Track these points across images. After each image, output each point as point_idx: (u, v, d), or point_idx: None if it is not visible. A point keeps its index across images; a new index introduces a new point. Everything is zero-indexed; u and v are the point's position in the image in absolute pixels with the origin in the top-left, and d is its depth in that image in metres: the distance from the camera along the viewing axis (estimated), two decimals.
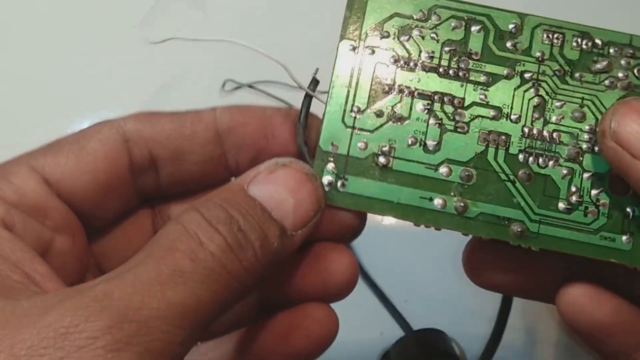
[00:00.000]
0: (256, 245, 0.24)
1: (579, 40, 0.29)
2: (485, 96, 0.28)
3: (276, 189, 0.26)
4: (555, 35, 0.29)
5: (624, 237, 0.27)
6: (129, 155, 0.29)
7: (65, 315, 0.21)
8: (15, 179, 0.27)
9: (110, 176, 0.28)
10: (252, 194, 0.26)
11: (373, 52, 0.29)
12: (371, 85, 0.28)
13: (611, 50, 0.29)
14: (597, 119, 0.28)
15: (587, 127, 0.28)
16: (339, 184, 0.28)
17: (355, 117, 0.28)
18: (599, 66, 0.29)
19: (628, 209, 0.27)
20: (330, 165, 0.28)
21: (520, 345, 0.44)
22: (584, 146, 0.28)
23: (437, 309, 0.43)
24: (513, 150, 0.28)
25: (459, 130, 0.28)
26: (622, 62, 0.29)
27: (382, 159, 0.28)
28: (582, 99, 0.28)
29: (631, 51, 0.29)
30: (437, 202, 0.27)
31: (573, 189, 0.28)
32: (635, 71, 0.29)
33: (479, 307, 0.42)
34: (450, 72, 0.28)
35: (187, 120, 0.30)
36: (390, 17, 0.29)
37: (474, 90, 0.28)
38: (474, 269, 0.30)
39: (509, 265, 0.30)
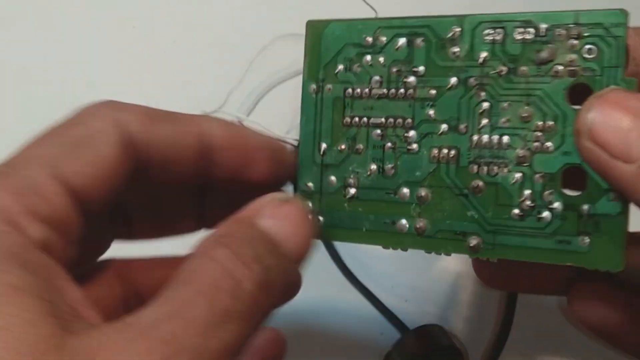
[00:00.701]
0: (280, 283, 0.25)
1: (522, 30, 0.27)
2: (434, 112, 0.29)
3: (283, 225, 0.27)
4: (497, 31, 0.28)
5: (580, 239, 0.26)
6: (136, 160, 0.28)
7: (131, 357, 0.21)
8: (46, 192, 0.25)
9: (121, 183, 0.27)
10: (261, 228, 0.26)
11: (330, 88, 0.31)
12: (332, 121, 0.31)
13: (556, 34, 0.27)
14: (545, 115, 0.27)
15: (534, 126, 0.27)
16: (317, 219, 0.30)
17: (322, 155, 0.31)
18: (542, 55, 0.27)
19: (584, 207, 0.26)
20: (309, 204, 0.31)
21: (526, 342, 0.41)
22: (533, 146, 0.27)
23: (437, 307, 0.42)
24: (463, 162, 0.28)
25: (410, 151, 0.29)
26: (568, 44, 0.27)
27: (349, 190, 0.30)
28: (528, 95, 0.27)
29: (577, 31, 0.26)
30: (399, 225, 0.29)
31: (525, 193, 0.27)
32: (585, 52, 0.26)
33: (481, 305, 0.40)
34: (399, 93, 0.29)
35: (186, 125, 0.29)
36: (342, 49, 0.30)
37: (422, 108, 0.29)
38: (483, 273, 0.31)
39: (516, 265, 0.29)
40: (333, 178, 0.30)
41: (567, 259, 0.26)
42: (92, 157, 0.26)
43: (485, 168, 0.28)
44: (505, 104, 0.27)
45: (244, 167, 0.30)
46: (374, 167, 0.29)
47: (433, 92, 0.28)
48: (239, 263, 0.24)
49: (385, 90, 0.29)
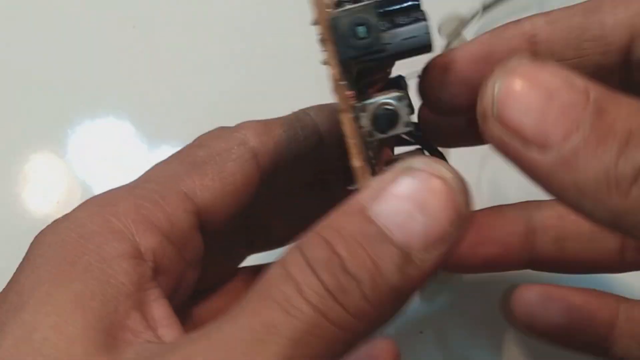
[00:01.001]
0: (365, 286, 0.20)
1: None
2: None
3: (400, 204, 0.21)
4: None
5: None
6: (259, 171, 0.28)
7: None
8: (168, 206, 0.25)
9: (248, 197, 0.27)
10: (373, 216, 0.21)
11: None
12: None
13: None
14: None
15: None
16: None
17: None
18: None
19: None
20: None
21: None
22: None
23: None
24: None
25: None
26: None
27: None
28: None
29: None
30: None
31: None
32: None
33: None
34: None
35: (296, 127, 0.29)
36: None
37: None
38: None
39: None
40: None
41: None
42: (217, 173, 0.27)
43: None
44: None
45: None
46: None
47: None
48: (304, 268, 0.21)
49: None
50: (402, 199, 0.21)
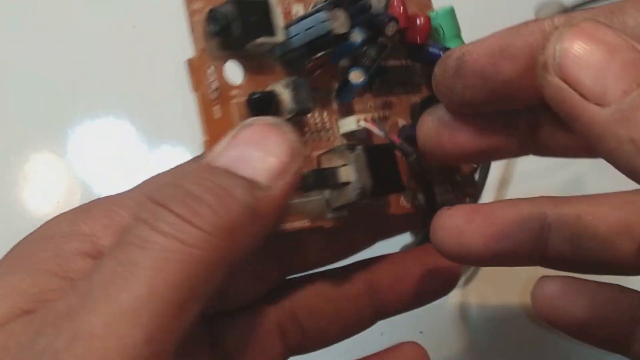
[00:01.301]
0: (212, 203, 0.22)
1: None
2: None
3: (240, 149, 0.24)
4: None
5: None
6: None
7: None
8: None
9: None
10: (217, 164, 0.24)
11: None
12: None
13: None
14: None
15: None
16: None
17: None
18: None
19: None
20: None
21: None
22: None
23: None
24: None
25: None
26: None
27: None
28: None
29: None
30: None
31: None
32: None
33: None
34: None
35: None
36: None
37: None
38: None
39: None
40: None
41: None
42: None
43: None
44: None
45: None
46: None
47: None
48: (153, 206, 0.22)
49: None
50: (241, 144, 0.24)
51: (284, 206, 0.24)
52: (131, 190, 0.27)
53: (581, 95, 0.21)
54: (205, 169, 0.23)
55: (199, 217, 0.21)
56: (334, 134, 0.30)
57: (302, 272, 0.32)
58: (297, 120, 0.29)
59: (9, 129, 0.47)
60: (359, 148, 0.28)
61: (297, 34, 0.28)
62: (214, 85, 0.28)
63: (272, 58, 0.29)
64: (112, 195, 0.27)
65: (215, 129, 0.27)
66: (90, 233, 0.25)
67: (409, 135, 0.31)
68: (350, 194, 0.28)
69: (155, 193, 0.22)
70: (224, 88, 0.28)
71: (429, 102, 0.30)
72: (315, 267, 0.32)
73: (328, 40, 0.28)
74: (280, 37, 0.28)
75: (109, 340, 0.20)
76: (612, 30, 0.22)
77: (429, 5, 0.34)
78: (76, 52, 0.48)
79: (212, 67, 0.28)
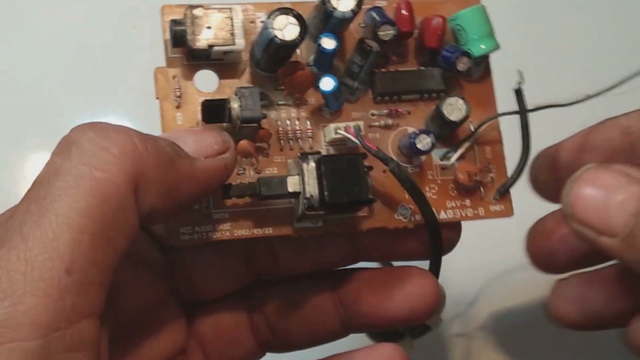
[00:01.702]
0: (133, 135, 0.23)
1: None
2: None
3: (177, 134, 0.27)
4: None
5: None
6: None
7: None
8: None
9: None
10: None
11: None
12: None
13: None
14: None
15: None
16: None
17: None
18: None
19: None
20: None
21: None
22: None
23: None
24: None
25: None
26: None
27: None
28: None
29: None
30: None
31: None
32: None
33: None
34: None
35: None
36: None
37: None
38: None
39: None
40: None
41: None
42: None
43: None
44: None
45: None
46: None
47: None
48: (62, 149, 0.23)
49: None
50: (180, 132, 0.27)
51: (205, 183, 0.26)
52: None
53: (594, 231, 0.26)
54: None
55: (111, 142, 0.22)
56: (318, 141, 0.30)
57: (273, 274, 0.32)
58: (254, 127, 0.29)
59: (9, 129, 0.46)
60: (313, 158, 0.28)
61: (258, 43, 0.29)
62: (177, 92, 0.29)
63: (252, 67, 0.30)
64: None
65: None
66: None
67: (405, 144, 0.29)
68: (301, 204, 0.28)
69: (75, 128, 0.23)
70: (188, 95, 0.29)
71: None
72: (287, 273, 0.32)
73: (279, 47, 0.27)
74: (239, 45, 0.28)
75: (27, 274, 0.20)
76: (608, 172, 0.27)
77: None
78: (76, 52, 0.47)
79: (176, 76, 0.29)
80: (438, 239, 0.29)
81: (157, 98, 0.28)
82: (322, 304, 0.31)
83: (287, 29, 0.27)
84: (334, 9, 0.28)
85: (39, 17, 0.48)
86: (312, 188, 0.27)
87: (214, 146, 0.26)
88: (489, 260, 0.43)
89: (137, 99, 0.45)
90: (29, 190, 0.22)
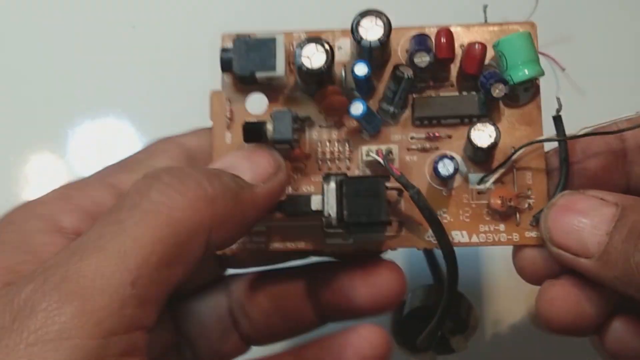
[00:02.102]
0: (202, 179, 0.25)
1: None
2: None
3: (230, 159, 0.29)
4: None
5: None
6: None
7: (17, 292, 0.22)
8: (93, 192, 0.29)
9: None
10: (221, 167, 0.28)
11: None
12: None
13: None
14: None
15: None
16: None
17: None
18: None
19: None
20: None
21: None
22: None
23: None
24: None
25: None
26: None
27: None
28: None
29: None
30: None
31: None
32: None
33: None
34: None
35: None
36: None
37: None
38: None
39: None
40: None
41: None
42: (145, 169, 0.29)
43: None
44: None
45: None
46: None
47: None
48: (146, 180, 0.25)
49: None
50: (232, 157, 0.29)
51: (266, 206, 0.28)
52: (87, 177, 0.30)
53: (572, 254, 0.28)
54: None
55: (185, 187, 0.25)
56: (355, 162, 0.31)
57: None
58: (288, 148, 0.31)
59: (9, 129, 0.46)
60: (335, 178, 0.29)
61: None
62: (228, 114, 0.32)
63: (298, 91, 0.32)
64: (68, 183, 0.30)
65: (222, 155, 0.31)
66: (47, 212, 0.28)
67: (433, 167, 0.30)
68: (323, 221, 0.29)
69: (148, 172, 0.26)
70: (239, 117, 0.32)
71: None
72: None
73: (307, 73, 0.29)
74: (280, 71, 0.30)
75: (97, 280, 0.22)
76: (583, 197, 0.29)
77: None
78: (76, 52, 0.48)
79: (228, 99, 0.32)
80: (454, 270, 0.30)
81: (211, 119, 0.32)
82: (294, 294, 0.32)
83: (314, 57, 0.29)
84: (362, 38, 0.29)
85: (39, 17, 0.49)
86: (330, 207, 0.29)
87: (269, 169, 0.29)
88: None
89: (138, 99, 0.46)
90: (107, 214, 0.25)
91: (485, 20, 0.33)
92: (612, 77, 0.46)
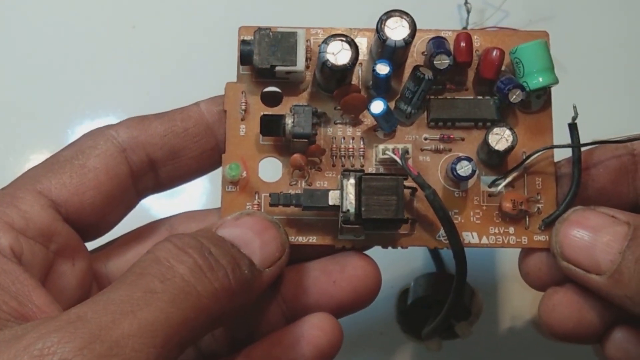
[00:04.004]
0: (227, 268, 0.26)
1: None
2: None
3: (243, 231, 0.29)
4: None
5: None
6: (128, 164, 0.30)
7: (39, 338, 0.21)
8: (23, 205, 0.28)
9: (114, 187, 0.30)
10: (220, 234, 0.28)
11: None
12: None
13: None
14: None
15: None
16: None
17: None
18: None
19: None
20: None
21: None
22: None
23: None
24: None
25: None
26: None
27: None
28: None
29: None
30: None
31: None
32: None
33: None
34: None
35: (176, 119, 0.31)
36: None
37: None
38: None
39: None
40: None
41: None
42: (76, 169, 0.29)
43: None
44: None
45: None
46: None
47: None
48: (175, 250, 0.25)
49: None
50: (245, 227, 0.29)
51: (264, 291, 0.29)
52: (13, 182, 0.29)
53: (583, 269, 0.28)
54: (216, 236, 0.28)
55: (215, 275, 0.25)
56: (369, 160, 0.32)
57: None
58: (305, 143, 0.31)
59: (9, 129, 0.46)
60: (355, 175, 0.29)
61: (317, 65, 0.31)
62: (243, 106, 0.31)
63: (314, 86, 0.32)
64: None
65: (236, 146, 0.32)
66: None
67: (450, 168, 0.31)
68: (339, 216, 0.30)
69: (175, 239, 0.26)
70: (254, 109, 0.32)
71: None
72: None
73: (331, 70, 0.29)
74: (300, 66, 0.30)
75: (126, 351, 0.22)
76: (595, 214, 0.29)
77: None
78: (76, 52, 0.47)
79: (244, 91, 0.32)
80: (463, 271, 0.30)
81: (225, 110, 0.31)
82: (264, 305, 0.32)
83: (340, 54, 0.29)
84: (387, 37, 0.29)
85: (39, 17, 0.48)
86: (349, 203, 0.29)
87: (276, 254, 0.29)
88: None
89: (138, 99, 0.46)
90: (135, 276, 0.25)
91: (468, 12, 0.33)
92: (595, 56, 0.47)
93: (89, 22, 0.48)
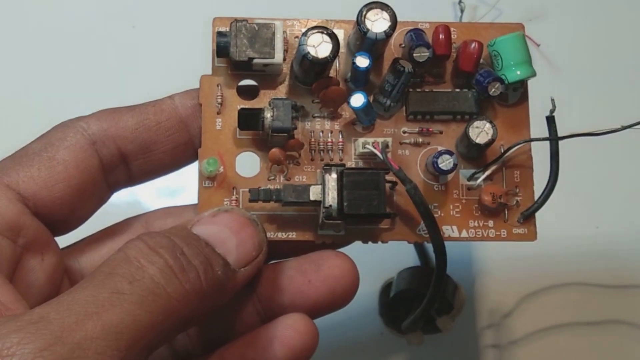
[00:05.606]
0: (200, 269, 0.25)
1: None
2: None
3: (219, 229, 0.28)
4: None
5: None
6: (98, 157, 0.30)
7: None
8: None
9: (84, 180, 0.29)
10: (195, 232, 0.27)
11: None
12: None
13: None
14: None
15: None
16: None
17: None
18: None
19: None
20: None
21: None
22: None
23: None
24: None
25: None
26: None
27: None
28: None
29: None
30: None
31: None
32: None
33: None
34: None
35: (149, 112, 0.31)
36: None
37: None
38: None
39: None
40: None
41: None
42: (44, 162, 0.29)
43: None
44: None
45: None
46: None
47: None
48: (146, 250, 0.25)
49: None
50: (221, 225, 0.28)
51: (238, 291, 0.28)
52: None
53: None
54: (190, 234, 0.27)
55: (186, 276, 0.25)
56: (348, 154, 0.31)
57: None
58: (285, 137, 0.30)
59: (9, 128, 0.45)
60: (336, 169, 0.29)
61: (295, 57, 0.30)
62: (219, 99, 0.31)
63: (291, 80, 0.31)
64: None
65: (212, 140, 0.31)
66: None
67: (430, 162, 0.31)
68: (321, 212, 0.29)
69: (147, 237, 0.25)
70: (230, 103, 0.31)
71: None
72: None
73: (311, 63, 0.29)
74: (278, 58, 0.29)
75: (89, 354, 0.21)
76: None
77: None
78: (76, 52, 0.48)
79: (220, 84, 0.31)
80: (443, 264, 0.30)
81: (200, 103, 0.31)
82: (239, 304, 0.31)
83: (320, 46, 0.29)
84: (368, 30, 0.29)
85: (39, 17, 0.48)
86: (331, 198, 0.29)
87: (252, 253, 0.28)
88: (526, 276, 0.43)
89: (137, 99, 0.43)
90: (103, 275, 0.24)
91: (462, 10, 0.34)
92: (586, 53, 0.48)
93: (89, 22, 0.48)
